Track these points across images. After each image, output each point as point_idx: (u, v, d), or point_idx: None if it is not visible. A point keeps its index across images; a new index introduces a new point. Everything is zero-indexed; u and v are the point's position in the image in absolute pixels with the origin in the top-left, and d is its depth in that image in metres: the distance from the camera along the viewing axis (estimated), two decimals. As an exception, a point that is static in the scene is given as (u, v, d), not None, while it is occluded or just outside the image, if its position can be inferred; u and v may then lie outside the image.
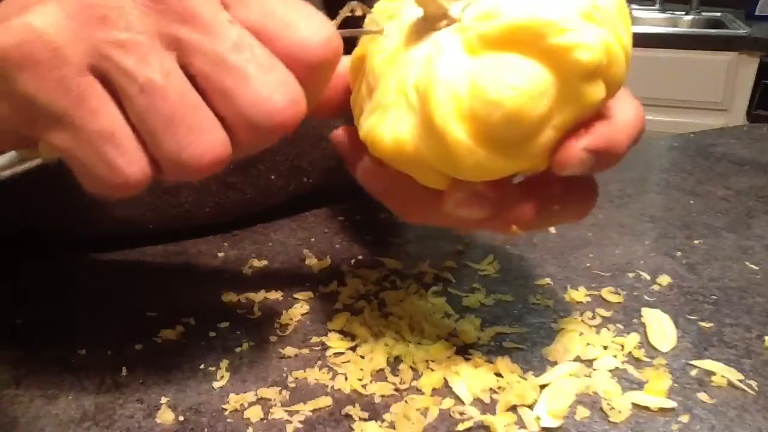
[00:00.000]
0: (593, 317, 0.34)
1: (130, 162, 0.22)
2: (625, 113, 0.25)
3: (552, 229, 0.44)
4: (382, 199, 0.29)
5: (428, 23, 0.24)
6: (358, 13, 0.26)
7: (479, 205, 0.25)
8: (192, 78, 0.22)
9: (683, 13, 2.06)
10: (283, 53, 0.22)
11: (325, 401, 0.29)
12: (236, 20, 0.22)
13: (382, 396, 0.29)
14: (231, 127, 0.22)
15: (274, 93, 0.22)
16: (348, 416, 0.28)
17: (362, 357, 0.31)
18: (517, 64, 0.22)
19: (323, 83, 0.25)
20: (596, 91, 0.23)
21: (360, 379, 0.30)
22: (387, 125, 0.25)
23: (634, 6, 2.08)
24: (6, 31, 0.20)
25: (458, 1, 0.24)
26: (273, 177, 0.46)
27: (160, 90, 0.21)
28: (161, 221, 0.43)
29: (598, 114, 0.24)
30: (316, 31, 0.23)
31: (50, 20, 0.20)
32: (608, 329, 0.33)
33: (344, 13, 0.25)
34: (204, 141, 0.22)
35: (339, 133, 0.29)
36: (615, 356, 0.31)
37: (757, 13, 1.93)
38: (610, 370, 0.30)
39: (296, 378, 0.30)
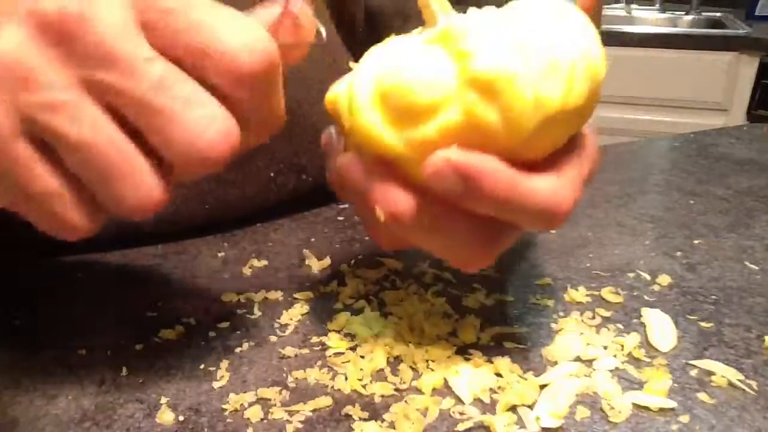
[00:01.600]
0: (593, 317, 0.34)
1: (77, 214, 0.22)
2: (534, 182, 0.24)
3: (552, 229, 0.44)
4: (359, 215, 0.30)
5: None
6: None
7: (448, 179, 0.24)
8: (123, 118, 0.21)
9: (683, 13, 2.06)
10: (213, 71, 0.22)
11: (325, 401, 0.29)
12: (158, 44, 0.21)
13: (382, 396, 0.29)
14: (168, 162, 0.22)
15: (203, 130, 0.21)
16: (348, 416, 0.28)
17: (362, 357, 0.31)
18: (433, 53, 0.25)
19: (270, 91, 0.24)
20: (486, 111, 0.23)
21: (360, 379, 0.30)
22: (341, 84, 0.28)
23: (634, 6, 2.09)
24: None
25: (450, 15, 0.26)
26: (272, 174, 0.46)
27: (92, 146, 0.21)
28: (160, 221, 0.43)
29: (507, 158, 0.24)
30: (245, 42, 0.22)
31: None
32: (608, 329, 0.33)
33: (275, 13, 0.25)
34: (141, 189, 0.22)
35: (325, 134, 0.30)
36: (615, 356, 0.31)
37: (757, 13, 1.93)
38: (610, 370, 0.30)
39: (296, 378, 0.30)
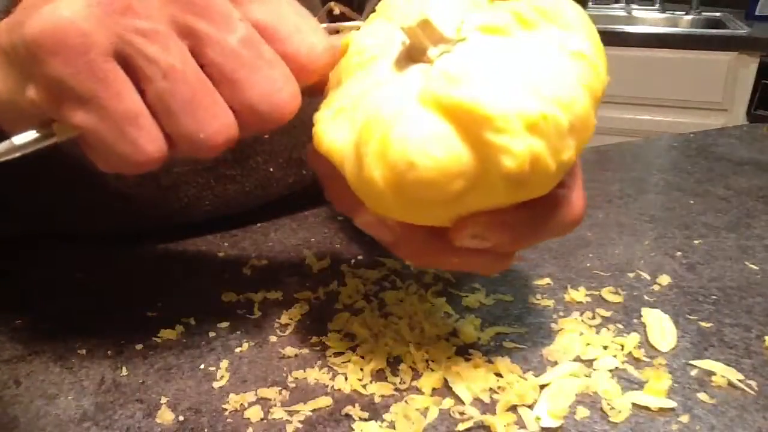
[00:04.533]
0: (593, 317, 0.34)
1: (150, 140, 0.23)
2: (539, 213, 0.26)
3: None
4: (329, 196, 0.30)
5: (410, 50, 0.24)
6: (337, 12, 0.28)
7: (382, 232, 0.28)
8: (203, 67, 0.23)
9: (683, 13, 2.06)
10: (290, 55, 0.24)
11: (325, 401, 0.29)
12: (246, 18, 0.24)
13: (382, 396, 0.29)
14: (238, 112, 0.24)
15: (278, 87, 0.24)
16: (348, 416, 0.28)
17: (362, 357, 0.31)
18: (447, 139, 0.22)
19: (314, 84, 0.26)
20: (514, 192, 0.23)
21: (360, 379, 0.30)
22: (331, 127, 0.25)
23: (634, 6, 2.08)
24: (37, 19, 0.22)
25: (440, 45, 0.23)
26: (271, 169, 0.46)
27: (180, 75, 0.23)
28: (162, 216, 0.43)
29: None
30: (321, 39, 0.25)
31: (78, 8, 0.22)
32: (608, 329, 0.33)
33: (324, 12, 0.27)
34: (217, 122, 0.24)
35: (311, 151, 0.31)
36: (615, 356, 0.31)
37: (757, 13, 1.93)
38: (610, 370, 0.30)
39: (296, 378, 0.30)
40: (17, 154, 0.24)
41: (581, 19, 0.24)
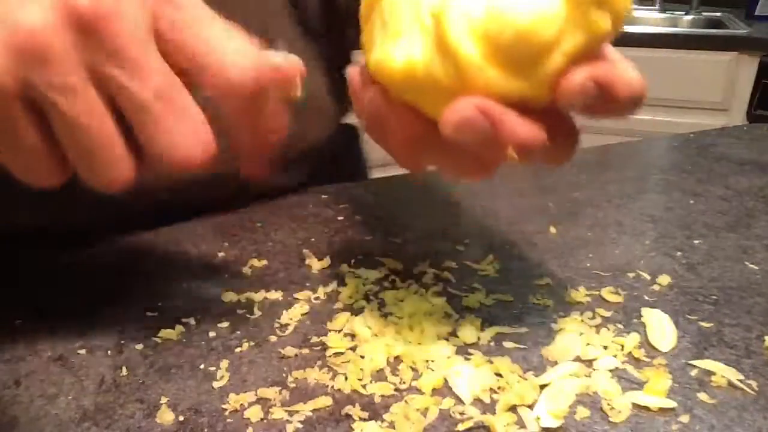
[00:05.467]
0: (593, 317, 0.34)
1: (50, 171, 0.25)
2: (628, 69, 0.26)
3: (552, 229, 0.44)
4: (382, 141, 0.30)
5: None
6: None
7: (477, 126, 0.25)
8: (116, 104, 0.24)
9: (683, 13, 2.06)
10: (210, 84, 0.25)
11: (325, 401, 0.29)
12: (162, 50, 0.24)
13: (382, 396, 0.29)
14: (149, 159, 0.25)
15: (186, 140, 0.24)
16: (348, 416, 0.28)
17: (362, 357, 0.31)
18: None
19: (254, 111, 0.27)
20: (603, 20, 0.24)
21: (360, 379, 0.30)
22: (399, 50, 0.26)
23: (634, 6, 2.08)
24: None
25: None
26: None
27: (84, 126, 0.23)
28: (156, 199, 0.43)
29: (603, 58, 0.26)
30: (241, 63, 0.25)
31: None
32: (608, 329, 0.33)
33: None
34: (115, 169, 0.24)
35: (352, 70, 0.30)
36: (615, 356, 0.31)
37: (757, 13, 1.93)
38: (610, 370, 0.30)
39: (296, 378, 0.30)
40: None
41: None
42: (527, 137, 0.25)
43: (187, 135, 0.24)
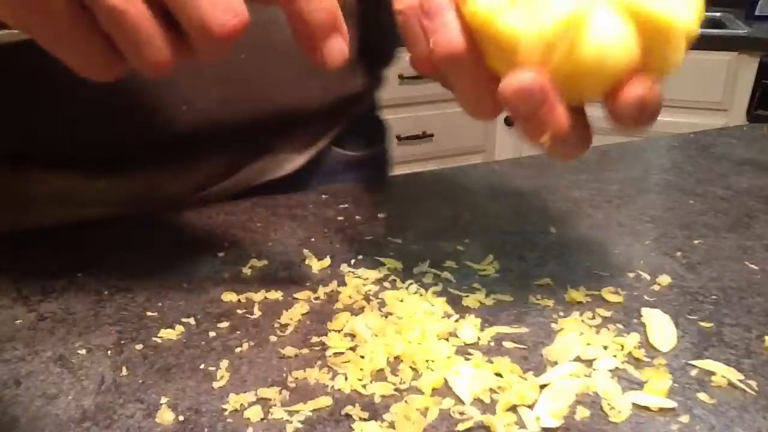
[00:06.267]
0: (593, 317, 0.34)
1: (102, 60, 0.26)
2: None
3: (552, 229, 0.44)
4: (437, 72, 0.32)
5: None
6: None
7: (532, 99, 0.28)
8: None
9: (683, 13, 2.06)
10: None
11: (325, 401, 0.29)
12: None
13: (382, 396, 0.29)
14: (190, 38, 0.26)
15: (218, 10, 0.25)
16: (348, 416, 0.28)
17: (362, 357, 0.31)
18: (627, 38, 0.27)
19: None
20: (675, 55, 0.28)
21: (360, 379, 0.30)
22: (512, 16, 0.28)
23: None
24: None
25: None
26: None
27: (121, 12, 0.25)
28: (164, 128, 0.44)
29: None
30: None
31: None
32: (608, 329, 0.33)
33: None
34: (157, 53, 0.26)
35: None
36: (615, 356, 0.31)
37: (757, 13, 1.93)
38: (610, 370, 0.30)
39: (296, 378, 0.30)
40: None
41: None
42: (564, 125, 0.28)
43: (219, 4, 0.25)
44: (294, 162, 0.54)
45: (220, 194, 0.51)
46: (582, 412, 0.28)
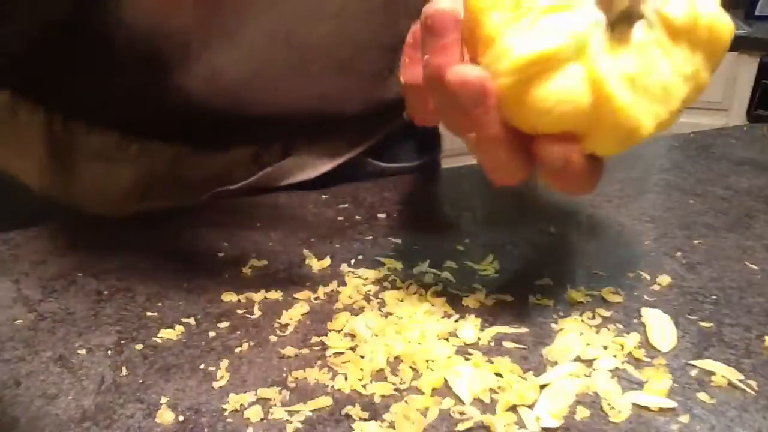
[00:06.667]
0: (593, 317, 0.34)
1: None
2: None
3: (552, 229, 0.44)
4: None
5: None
6: None
7: (471, 90, 0.28)
8: None
9: (683, 13, 2.06)
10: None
11: (325, 401, 0.29)
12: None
13: (382, 396, 0.29)
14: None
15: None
16: (348, 416, 0.28)
17: (362, 357, 0.31)
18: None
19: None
20: (707, 74, 0.29)
21: (360, 379, 0.30)
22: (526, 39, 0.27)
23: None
24: None
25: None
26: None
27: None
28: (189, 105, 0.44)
29: None
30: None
31: None
32: (608, 329, 0.33)
33: None
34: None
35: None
36: (615, 356, 0.31)
37: (757, 13, 1.93)
38: (610, 370, 0.30)
39: (296, 378, 0.30)
40: None
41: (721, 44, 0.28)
42: (495, 132, 0.29)
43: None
44: (318, 168, 0.53)
45: (241, 193, 0.51)
46: (582, 412, 0.28)
